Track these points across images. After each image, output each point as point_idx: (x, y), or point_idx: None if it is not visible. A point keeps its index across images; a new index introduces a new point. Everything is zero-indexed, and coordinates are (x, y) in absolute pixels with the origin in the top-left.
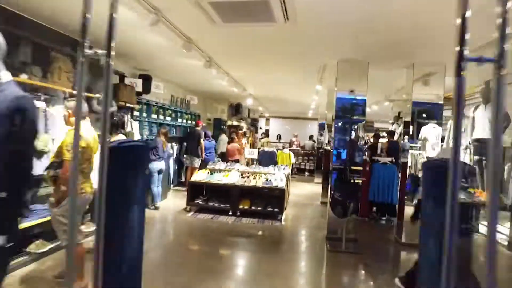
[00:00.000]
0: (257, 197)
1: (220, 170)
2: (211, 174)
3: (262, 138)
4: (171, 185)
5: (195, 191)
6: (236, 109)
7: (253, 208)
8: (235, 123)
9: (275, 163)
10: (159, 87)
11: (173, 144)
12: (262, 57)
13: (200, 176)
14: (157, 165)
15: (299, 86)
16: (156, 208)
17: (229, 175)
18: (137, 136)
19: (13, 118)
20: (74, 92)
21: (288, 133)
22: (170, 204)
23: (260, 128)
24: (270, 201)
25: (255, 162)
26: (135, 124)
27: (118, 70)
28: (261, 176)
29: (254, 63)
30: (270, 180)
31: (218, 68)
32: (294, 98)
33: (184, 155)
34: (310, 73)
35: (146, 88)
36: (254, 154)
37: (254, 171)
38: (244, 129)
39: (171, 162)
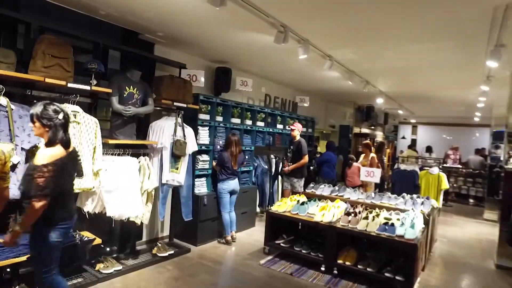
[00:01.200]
0: (370, 248)
1: (317, 199)
2: (302, 204)
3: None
4: (267, 208)
5: (278, 226)
6: (367, 113)
7: (359, 267)
8: (365, 130)
9: (415, 188)
10: (246, 84)
11: (272, 156)
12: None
13: (284, 206)
14: (227, 185)
15: (456, 74)
16: (228, 242)
17: (328, 208)
18: (192, 146)
19: None
20: (71, 85)
21: (444, 144)
22: (250, 238)
23: (403, 138)
24: (393, 257)
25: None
26: (204, 131)
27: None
28: (379, 214)
29: (381, 41)
30: (391, 225)
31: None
32: (450, 95)
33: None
34: (474, 50)
35: (223, 85)
36: (374, 176)
37: (373, 202)
38: (379, 139)
39: (267, 179)
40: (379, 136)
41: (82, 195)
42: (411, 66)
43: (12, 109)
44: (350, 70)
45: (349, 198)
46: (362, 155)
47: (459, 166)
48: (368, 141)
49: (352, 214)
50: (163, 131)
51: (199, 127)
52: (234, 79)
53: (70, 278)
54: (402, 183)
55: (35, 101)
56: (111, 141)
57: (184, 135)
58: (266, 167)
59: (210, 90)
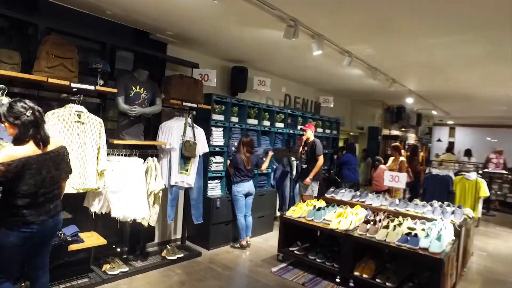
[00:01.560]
0: (392, 260)
1: (336, 204)
2: (318, 210)
3: (443, 153)
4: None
5: (293, 232)
6: (397, 114)
7: (378, 280)
8: (395, 132)
9: (448, 195)
10: (264, 83)
11: (292, 158)
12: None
13: (299, 211)
14: (242, 187)
15: (489, 69)
16: (242, 247)
17: (345, 215)
18: (203, 147)
19: None
20: (75, 85)
21: (486, 148)
22: (265, 243)
23: (439, 141)
24: (417, 271)
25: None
26: (218, 132)
27: (190, 60)
28: (401, 223)
29: (399, 36)
30: (414, 236)
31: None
32: (488, 93)
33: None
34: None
35: (239, 84)
36: (399, 181)
37: (396, 210)
38: (411, 141)
39: (288, 182)
40: (412, 138)
41: (89, 195)
42: (436, 62)
43: None
44: (373, 67)
45: (370, 204)
46: (391, 159)
47: (504, 171)
48: (397, 143)
49: (372, 222)
50: (172, 131)
51: (213, 128)
52: (251, 78)
53: (76, 278)
54: (434, 189)
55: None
56: (116, 141)
57: (194, 136)
58: (287, 169)
59: (226, 90)
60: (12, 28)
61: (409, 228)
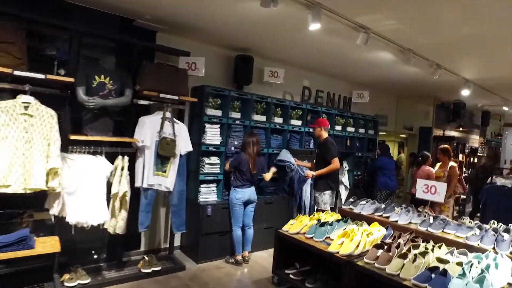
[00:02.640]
0: None
1: (352, 219)
2: (321, 226)
3: None
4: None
5: (292, 250)
6: (454, 112)
7: None
8: (451, 133)
9: None
10: (276, 75)
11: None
12: None
13: (298, 225)
14: (241, 193)
15: None
16: (237, 263)
17: (350, 235)
18: (185, 145)
19: None
20: (19, 73)
21: None
22: (268, 259)
23: None
24: None
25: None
26: (212, 129)
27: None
28: (428, 252)
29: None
30: (442, 273)
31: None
32: None
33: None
34: None
35: (243, 76)
36: (437, 193)
37: (429, 231)
38: (474, 144)
39: (308, 188)
40: (475, 140)
41: (51, 196)
42: (496, 36)
43: None
44: (404, 47)
45: (396, 221)
46: (438, 164)
47: None
48: (446, 145)
49: (385, 247)
50: (145, 127)
51: (206, 125)
52: (261, 69)
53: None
54: (498, 205)
55: None
56: (73, 137)
57: (174, 133)
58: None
59: (229, 82)
60: None
61: (438, 259)
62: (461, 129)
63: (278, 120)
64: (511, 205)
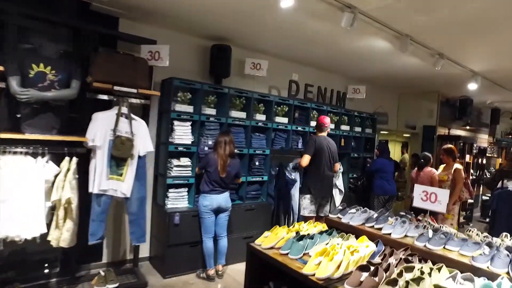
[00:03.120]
0: None
1: (340, 230)
2: (299, 239)
3: None
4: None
5: (264, 267)
6: (460, 109)
7: None
8: (457, 132)
9: None
10: (258, 67)
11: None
12: None
13: (273, 239)
14: (209, 200)
15: None
16: (209, 278)
17: (330, 253)
18: (145, 145)
19: None
20: None
21: None
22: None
23: None
24: None
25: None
26: (182, 127)
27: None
28: (423, 278)
29: None
30: None
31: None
32: None
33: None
34: None
35: (220, 68)
36: (438, 202)
37: (428, 248)
38: (483, 144)
39: (296, 193)
40: (483, 140)
41: None
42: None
43: None
44: (400, 32)
45: (389, 234)
46: (442, 166)
47: None
48: (450, 145)
49: (372, 269)
50: (96, 124)
51: (175, 122)
52: (243, 61)
53: None
54: (509, 213)
55: None
56: (3, 135)
57: (132, 131)
58: (293, 177)
59: (205, 75)
60: None
61: (435, 287)
62: (468, 127)
63: (261, 117)
64: None
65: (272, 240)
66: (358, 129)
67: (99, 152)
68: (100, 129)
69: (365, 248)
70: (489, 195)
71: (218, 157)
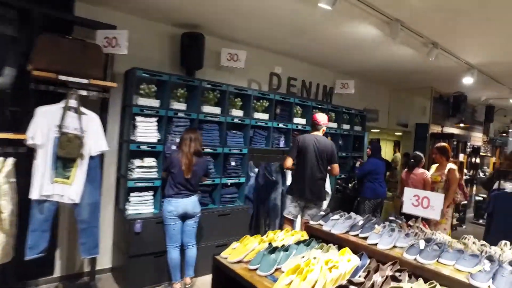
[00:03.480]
0: None
1: (315, 241)
2: (270, 252)
3: None
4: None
5: (232, 283)
6: (453, 105)
7: None
8: (451, 130)
9: None
10: (236, 58)
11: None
12: None
13: (242, 251)
14: (174, 205)
15: None
16: None
17: (304, 270)
18: (97, 144)
19: None
20: None
21: None
22: None
23: None
24: None
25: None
26: (146, 124)
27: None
28: None
29: None
30: None
31: None
32: None
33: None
34: None
35: (192, 58)
36: (430, 207)
37: (419, 262)
38: (477, 143)
39: (277, 196)
40: (477, 139)
41: None
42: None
43: None
44: (390, 16)
45: (375, 244)
46: (434, 166)
47: None
48: (444, 143)
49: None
50: (39, 119)
51: (137, 117)
52: (218, 52)
53: None
54: (507, 216)
55: None
56: None
57: (81, 127)
58: (275, 179)
59: (176, 67)
60: None
61: None
62: (462, 125)
63: (238, 112)
64: None
65: (241, 252)
66: (346, 126)
67: (41, 152)
68: (42, 125)
69: (346, 263)
70: (483, 195)
71: (182, 156)
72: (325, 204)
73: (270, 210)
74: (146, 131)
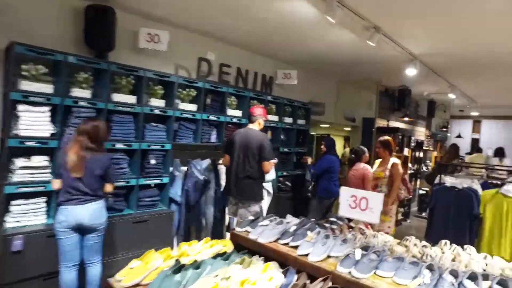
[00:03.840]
0: None
1: (235, 254)
2: (176, 271)
3: (467, 153)
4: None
5: None
6: (398, 99)
7: None
8: (396, 124)
9: (471, 222)
10: (157, 39)
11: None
12: None
13: (141, 271)
14: (64, 215)
15: None
16: None
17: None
18: None
19: None
20: None
21: None
22: None
23: (459, 137)
24: None
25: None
26: (35, 114)
27: None
28: None
29: None
30: None
31: None
32: None
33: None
34: None
35: (100, 37)
36: (369, 209)
37: (353, 277)
38: (421, 137)
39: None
40: (421, 133)
41: None
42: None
43: None
44: None
45: (306, 255)
46: (378, 161)
47: None
48: (387, 137)
49: None
50: None
51: (20, 106)
52: (136, 32)
53: None
54: (448, 211)
55: None
56: None
57: None
58: (205, 178)
59: (82, 48)
60: None
61: None
62: (406, 119)
63: (159, 102)
64: (463, 211)
65: (140, 273)
66: (289, 120)
67: None
68: None
69: (266, 282)
70: (426, 189)
71: (69, 150)
72: (264, 204)
73: (201, 214)
74: (33, 123)
